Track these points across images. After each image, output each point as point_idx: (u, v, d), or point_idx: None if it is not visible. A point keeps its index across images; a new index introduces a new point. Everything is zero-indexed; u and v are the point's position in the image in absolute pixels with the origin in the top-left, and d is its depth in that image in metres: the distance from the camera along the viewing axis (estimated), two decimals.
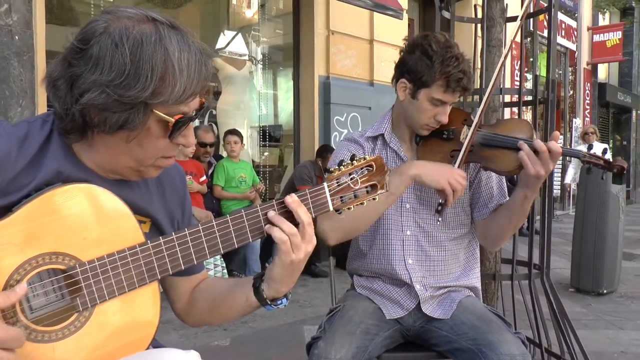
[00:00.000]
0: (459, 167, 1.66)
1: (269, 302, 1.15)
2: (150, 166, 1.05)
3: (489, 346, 1.55)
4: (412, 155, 1.81)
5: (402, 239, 1.79)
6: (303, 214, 1.08)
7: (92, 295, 0.96)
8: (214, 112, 5.94)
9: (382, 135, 1.83)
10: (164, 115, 0.97)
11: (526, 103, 2.67)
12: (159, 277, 1.02)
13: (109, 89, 0.92)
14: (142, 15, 0.97)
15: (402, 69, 1.74)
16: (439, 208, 1.72)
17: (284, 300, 1.17)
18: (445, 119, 1.72)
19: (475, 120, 1.69)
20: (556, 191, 10.69)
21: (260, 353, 3.15)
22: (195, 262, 1.04)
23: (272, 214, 1.09)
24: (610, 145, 15.30)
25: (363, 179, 1.16)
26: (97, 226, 0.98)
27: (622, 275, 5.25)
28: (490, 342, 1.56)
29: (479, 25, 2.64)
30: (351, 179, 1.15)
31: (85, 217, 0.97)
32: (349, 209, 1.16)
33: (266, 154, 6.59)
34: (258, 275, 1.18)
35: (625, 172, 1.59)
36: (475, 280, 1.90)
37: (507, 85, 6.94)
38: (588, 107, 12.69)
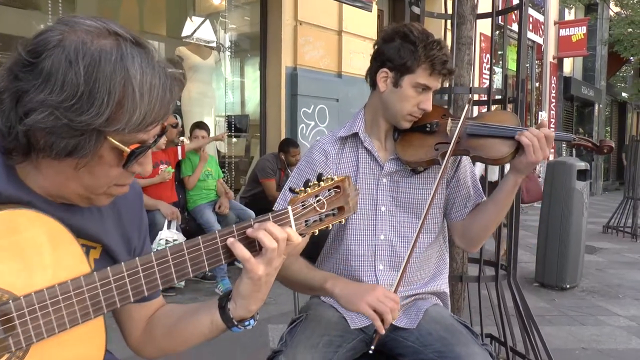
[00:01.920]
0: (447, 157, 1.61)
1: (236, 323, 1.07)
2: (102, 194, 0.95)
3: (456, 359, 1.50)
4: (386, 155, 1.73)
5: (375, 244, 1.72)
6: (267, 240, 1.00)
7: (27, 334, 0.85)
8: (177, 103, 5.77)
9: (356, 134, 1.75)
10: (119, 144, 0.87)
11: (495, 102, 2.63)
12: (105, 311, 0.92)
13: (59, 111, 0.81)
14: (103, 28, 0.86)
15: (381, 59, 1.66)
16: (374, 335, 1.55)
17: (252, 321, 1.09)
18: (429, 106, 1.65)
19: (466, 108, 1.66)
20: None
21: (224, 355, 3.06)
22: (147, 294, 0.95)
23: (231, 240, 1.01)
24: None
25: (330, 200, 1.09)
26: (36, 255, 0.88)
27: (584, 269, 5.35)
28: (457, 354, 1.51)
29: (449, 22, 2.58)
30: (317, 201, 1.08)
31: (23, 245, 0.87)
32: (314, 233, 1.10)
33: (233, 144, 6.47)
34: (224, 294, 1.10)
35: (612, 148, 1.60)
36: (444, 286, 1.85)
37: (476, 81, 6.97)
38: (554, 100, 12.90)
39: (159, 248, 4.05)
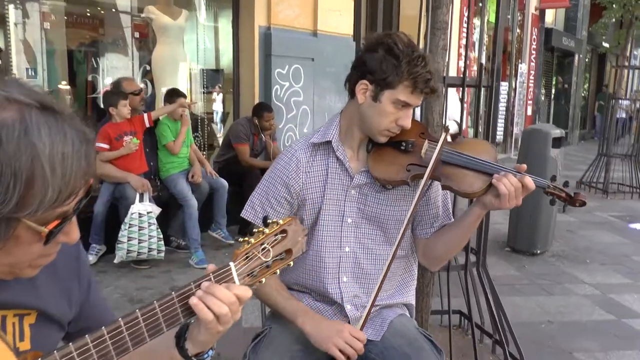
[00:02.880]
0: (423, 186, 1.57)
1: (194, 359, 1.05)
2: (26, 268, 0.89)
3: None
4: (358, 166, 1.68)
5: (339, 256, 1.70)
6: (216, 308, 0.96)
7: None
8: (147, 68, 5.57)
9: (329, 142, 1.69)
10: (35, 225, 0.80)
11: (470, 85, 2.57)
12: None
13: None
14: (2, 97, 0.76)
15: (363, 69, 1.58)
16: None
17: (210, 352, 1.07)
18: (408, 124, 1.59)
19: (442, 137, 1.58)
20: (499, 137, 10.89)
21: None
22: None
23: (194, 301, 0.96)
24: (553, 90, 15.64)
25: (276, 246, 1.06)
26: None
27: (556, 231, 5.45)
28: None
29: (424, 6, 2.47)
30: (263, 249, 1.04)
31: None
32: (260, 282, 1.06)
33: (206, 100, 6.32)
34: (181, 331, 1.06)
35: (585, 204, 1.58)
36: (410, 298, 1.85)
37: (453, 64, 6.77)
38: (534, 52, 12.78)
39: (131, 222, 4.00)
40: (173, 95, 4.53)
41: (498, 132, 10.74)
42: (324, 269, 1.70)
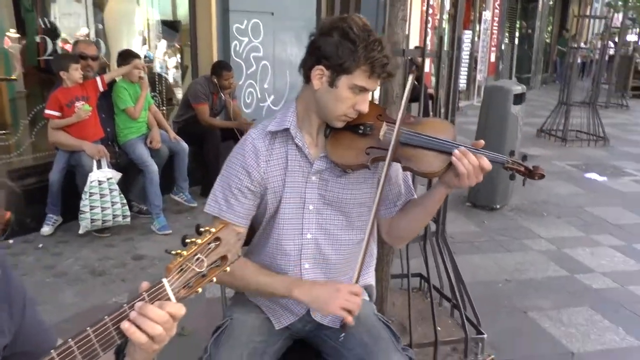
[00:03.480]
0: (386, 169, 1.55)
1: None
2: None
3: None
4: (317, 152, 1.65)
5: (301, 243, 1.69)
6: (150, 329, 0.96)
7: None
8: (100, 27, 5.30)
9: (287, 129, 1.65)
10: None
11: (430, 55, 2.53)
12: None
13: None
14: None
15: (318, 55, 1.53)
16: (342, 324, 1.57)
17: None
18: (366, 108, 1.56)
19: (399, 119, 1.55)
20: (462, 85, 10.91)
21: None
22: None
23: (126, 325, 0.96)
24: (517, 35, 15.62)
25: (210, 254, 1.06)
26: None
27: (514, 183, 5.56)
28: None
29: None
30: (196, 259, 1.04)
31: None
32: (196, 292, 1.06)
33: (165, 53, 6.09)
34: (120, 348, 1.05)
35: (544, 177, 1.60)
36: (371, 279, 1.87)
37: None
38: None
39: (92, 191, 3.90)
40: (127, 57, 4.34)
41: (461, 80, 10.75)
42: (286, 256, 1.69)
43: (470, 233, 4.42)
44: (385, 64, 1.49)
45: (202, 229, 1.07)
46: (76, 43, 4.36)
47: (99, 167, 4.01)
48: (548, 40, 18.07)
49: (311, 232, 1.68)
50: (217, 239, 1.07)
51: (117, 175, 4.07)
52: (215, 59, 5.51)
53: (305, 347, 1.80)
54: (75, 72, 3.94)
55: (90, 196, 3.89)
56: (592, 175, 6.41)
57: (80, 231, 4.01)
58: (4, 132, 4.57)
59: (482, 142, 1.53)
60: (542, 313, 3.14)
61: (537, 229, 4.55)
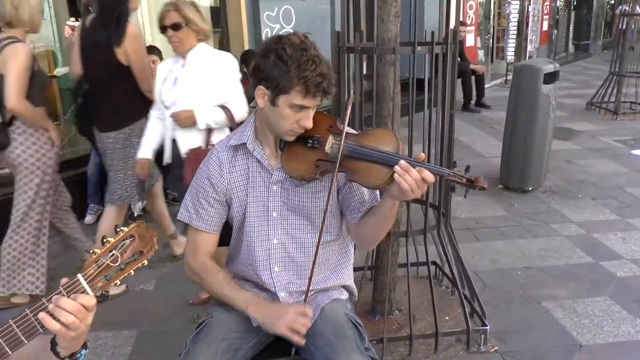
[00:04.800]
0: (331, 184, 1.62)
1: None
2: None
3: None
4: (277, 163, 1.75)
5: (268, 248, 1.80)
6: (63, 318, 1.11)
7: None
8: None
9: (245, 144, 1.75)
10: None
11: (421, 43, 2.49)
12: None
13: None
14: None
15: (259, 76, 1.62)
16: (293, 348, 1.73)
17: (83, 351, 1.25)
18: (309, 124, 1.64)
19: (343, 136, 1.60)
20: (510, 57, 10.52)
21: (185, 295, 3.25)
22: None
23: (42, 315, 1.12)
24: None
25: (125, 250, 1.21)
26: None
27: (553, 162, 5.42)
28: None
29: None
30: (111, 256, 1.19)
31: None
32: (115, 284, 1.22)
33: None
34: (54, 337, 1.23)
35: (485, 189, 1.59)
36: (347, 279, 1.94)
37: None
38: None
39: None
40: (149, 53, 4.48)
41: (509, 52, 10.38)
42: (257, 261, 1.81)
43: (497, 217, 4.37)
44: (319, 83, 1.54)
45: (118, 229, 1.23)
46: None
47: None
48: (612, 1, 17.04)
49: (277, 237, 1.79)
50: (132, 236, 1.22)
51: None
52: (246, 47, 5.60)
53: (281, 343, 1.90)
54: None
55: None
56: None
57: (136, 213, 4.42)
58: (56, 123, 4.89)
59: (423, 155, 1.57)
60: (557, 303, 3.10)
61: (568, 212, 4.43)
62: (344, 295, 1.93)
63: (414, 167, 1.51)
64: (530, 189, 4.87)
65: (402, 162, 1.51)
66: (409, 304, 2.74)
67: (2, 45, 2.94)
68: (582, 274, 3.44)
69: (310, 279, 1.70)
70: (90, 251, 1.19)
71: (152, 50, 4.51)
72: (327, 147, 1.65)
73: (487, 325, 2.71)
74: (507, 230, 4.12)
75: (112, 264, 1.18)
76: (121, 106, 3.20)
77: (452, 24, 2.46)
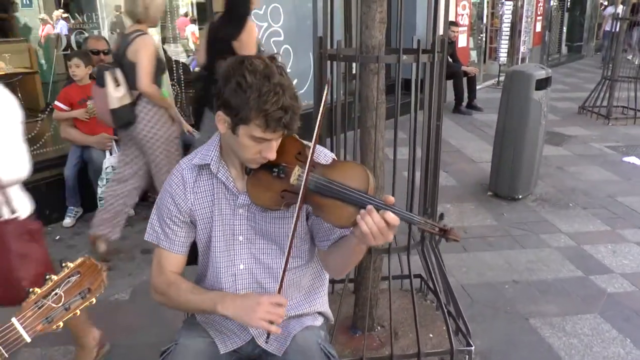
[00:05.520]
0: (296, 219, 1.50)
1: None
2: None
3: None
4: (243, 185, 1.62)
5: (234, 273, 1.68)
6: None
7: None
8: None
9: (208, 164, 1.62)
10: None
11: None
12: None
13: None
14: None
15: (219, 101, 1.49)
16: (268, 336, 1.59)
17: None
18: (271, 156, 1.51)
19: (306, 169, 1.47)
20: (503, 58, 10.42)
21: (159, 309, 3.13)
22: None
23: None
24: (568, 1, 14.74)
25: (70, 288, 1.13)
26: None
27: (544, 169, 5.34)
28: None
29: None
30: (54, 295, 1.11)
31: None
32: (58, 326, 1.13)
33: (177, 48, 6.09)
34: None
35: (458, 241, 1.47)
36: (321, 305, 1.83)
37: None
38: None
39: (107, 177, 3.99)
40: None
41: (502, 53, 10.29)
42: (222, 287, 1.69)
43: (486, 227, 4.27)
44: (280, 118, 1.40)
45: (63, 264, 1.15)
46: (86, 39, 4.42)
47: (112, 154, 4.11)
48: (606, 2, 17.00)
49: (244, 262, 1.68)
50: (78, 272, 1.14)
51: None
52: None
53: None
54: (76, 69, 3.99)
55: (106, 182, 4.00)
56: (632, 159, 6.03)
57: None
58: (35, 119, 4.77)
59: (392, 198, 1.42)
60: (545, 320, 3.00)
61: (558, 222, 4.34)
62: (318, 321, 1.82)
63: (378, 210, 1.38)
64: (520, 197, 4.78)
65: (369, 206, 1.39)
66: (391, 320, 2.63)
67: (132, 38, 3.39)
68: (572, 289, 3.35)
69: (281, 280, 1.55)
70: (31, 290, 1.09)
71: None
72: (293, 179, 1.52)
73: (472, 346, 2.60)
74: (496, 240, 4.03)
75: (54, 305, 1.09)
76: None
77: (441, 30, 2.34)
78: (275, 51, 5.97)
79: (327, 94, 1.55)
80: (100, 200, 4.03)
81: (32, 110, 5.01)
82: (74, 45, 4.90)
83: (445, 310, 2.64)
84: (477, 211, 4.58)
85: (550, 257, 3.76)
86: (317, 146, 1.62)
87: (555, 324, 2.97)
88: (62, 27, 5.14)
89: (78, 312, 1.13)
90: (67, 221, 4.27)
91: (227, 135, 1.52)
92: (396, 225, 1.38)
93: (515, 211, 4.58)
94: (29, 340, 1.07)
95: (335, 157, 1.67)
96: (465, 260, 3.70)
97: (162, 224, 1.66)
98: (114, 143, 4.13)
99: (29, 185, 4.11)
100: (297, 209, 1.48)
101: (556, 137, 6.87)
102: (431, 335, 2.85)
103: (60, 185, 4.22)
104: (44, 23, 5.00)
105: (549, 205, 4.69)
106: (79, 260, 1.15)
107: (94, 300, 1.14)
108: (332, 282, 3.08)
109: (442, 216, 1.50)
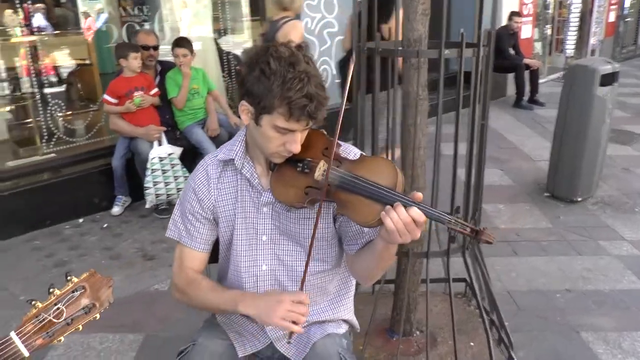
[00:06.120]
0: (318, 215, 1.42)
1: None
2: None
3: None
4: (268, 183, 1.55)
5: (257, 274, 1.62)
6: None
7: None
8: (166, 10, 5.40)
9: (233, 160, 1.56)
10: None
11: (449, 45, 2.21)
12: None
13: None
14: None
15: (242, 90, 1.43)
16: (290, 336, 1.50)
17: None
18: (295, 149, 1.44)
19: (330, 162, 1.40)
20: (570, 50, 9.89)
21: None
22: None
23: None
24: None
25: (73, 303, 1.10)
26: None
27: (609, 169, 5.02)
28: None
29: None
30: (56, 310, 1.08)
31: None
32: (59, 340, 1.10)
33: (233, 31, 6.06)
34: None
35: (491, 244, 1.34)
36: (344, 313, 1.75)
37: None
38: None
39: (153, 167, 4.05)
40: (175, 46, 4.38)
41: (568, 45, 9.76)
42: (244, 288, 1.63)
43: (539, 230, 4.03)
44: (304, 106, 1.32)
45: (68, 278, 1.12)
46: (136, 33, 4.48)
47: (160, 144, 4.16)
48: None
49: (267, 263, 1.61)
50: (83, 287, 1.11)
51: (177, 150, 4.23)
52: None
53: None
54: (134, 61, 4.07)
55: (152, 172, 4.08)
56: None
57: (147, 205, 4.26)
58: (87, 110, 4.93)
59: (420, 195, 1.32)
60: (599, 335, 2.78)
61: (621, 228, 4.04)
62: (342, 329, 1.73)
63: (405, 207, 1.29)
64: (579, 199, 4.49)
65: (396, 201, 1.30)
66: (427, 326, 2.50)
67: (281, 23, 3.86)
68: (632, 302, 3.09)
69: (307, 264, 1.47)
70: (32, 302, 1.08)
71: (181, 42, 4.40)
72: (317, 174, 1.45)
73: (513, 359, 2.44)
74: (550, 245, 3.79)
75: (55, 320, 1.07)
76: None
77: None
78: (329, 43, 5.90)
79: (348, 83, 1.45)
80: (145, 191, 4.09)
81: (91, 100, 5.14)
82: (125, 38, 4.99)
83: (487, 319, 2.48)
84: (531, 212, 4.34)
85: (609, 265, 3.50)
86: (346, 144, 1.56)
87: (610, 339, 2.75)
88: (112, 20, 5.27)
89: (80, 327, 1.11)
90: (116, 210, 4.37)
91: (251, 126, 1.46)
92: (423, 222, 1.29)
93: (573, 214, 4.30)
94: (27, 354, 1.05)
95: (364, 154, 1.58)
96: (515, 265, 3.50)
97: (184, 219, 1.63)
98: (162, 134, 4.19)
99: (80, 174, 4.34)
100: (320, 204, 1.40)
101: (624, 135, 6.43)
102: (472, 344, 2.71)
103: (110, 175, 4.31)
104: (100, 14, 5.12)
105: (612, 209, 4.38)
106: (85, 275, 1.12)
107: (97, 316, 1.13)
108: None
109: (457, 209, 1.38)
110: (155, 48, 4.35)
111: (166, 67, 4.50)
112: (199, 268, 1.67)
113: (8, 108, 4.82)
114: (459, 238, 2.52)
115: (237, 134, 1.62)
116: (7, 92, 5.18)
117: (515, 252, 3.68)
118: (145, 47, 4.27)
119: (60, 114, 4.62)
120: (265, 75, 1.33)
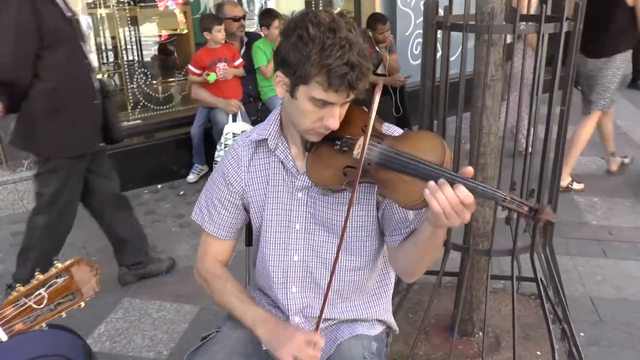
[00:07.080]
0: (352, 194, 1.28)
1: None
2: None
3: None
4: (304, 167, 1.43)
5: (287, 265, 1.52)
6: None
7: None
8: None
9: (266, 139, 1.46)
10: None
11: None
12: None
13: None
14: None
15: (278, 59, 1.32)
16: None
17: None
18: (333, 124, 1.30)
19: (368, 134, 1.25)
20: None
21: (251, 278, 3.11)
22: None
23: None
24: None
25: (55, 289, 1.08)
26: None
27: None
28: None
29: None
30: (37, 295, 1.06)
31: None
32: (41, 326, 1.08)
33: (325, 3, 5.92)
34: None
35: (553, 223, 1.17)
36: (380, 313, 1.61)
37: None
38: None
39: (226, 142, 4.09)
40: (266, 16, 4.35)
41: None
42: (272, 278, 1.55)
43: (638, 230, 3.59)
44: (345, 74, 1.18)
45: (54, 262, 1.10)
46: (221, 5, 4.50)
47: (234, 120, 4.17)
48: None
49: (299, 254, 1.50)
50: (67, 273, 1.08)
51: (250, 129, 4.21)
52: (377, 9, 5.24)
53: None
54: (217, 34, 4.11)
55: (224, 147, 4.11)
56: None
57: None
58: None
59: (470, 169, 1.16)
60: None
61: None
62: (375, 330, 1.60)
63: (452, 184, 1.13)
64: None
65: (441, 178, 1.14)
66: (484, 327, 2.29)
67: None
68: None
69: (323, 305, 1.37)
70: (17, 285, 1.06)
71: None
72: (356, 152, 1.30)
73: None
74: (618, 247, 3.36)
75: (35, 306, 1.05)
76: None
77: None
78: None
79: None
80: (215, 164, 4.14)
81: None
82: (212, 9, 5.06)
83: (553, 327, 2.23)
84: (632, 209, 3.87)
85: None
86: (389, 124, 1.41)
87: None
88: None
89: (64, 314, 1.09)
90: (191, 177, 4.48)
91: (286, 100, 1.35)
92: (471, 203, 1.14)
93: None
94: (5, 338, 1.03)
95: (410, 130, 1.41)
96: (602, 268, 3.14)
97: (209, 204, 1.56)
98: (239, 111, 4.19)
99: (161, 142, 4.47)
100: (355, 181, 1.26)
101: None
102: (539, 353, 2.46)
103: (189, 143, 4.40)
104: None
105: None
106: (70, 261, 1.10)
107: (82, 304, 1.10)
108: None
109: (532, 192, 1.18)
110: (243, 18, 4.37)
111: (252, 38, 4.53)
112: (223, 257, 1.61)
113: (106, 75, 5.07)
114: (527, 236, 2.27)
115: (272, 112, 1.51)
116: (105, 60, 5.46)
117: (605, 253, 3.30)
118: (235, 19, 4.31)
119: (153, 82, 4.79)
120: (303, 41, 1.21)
